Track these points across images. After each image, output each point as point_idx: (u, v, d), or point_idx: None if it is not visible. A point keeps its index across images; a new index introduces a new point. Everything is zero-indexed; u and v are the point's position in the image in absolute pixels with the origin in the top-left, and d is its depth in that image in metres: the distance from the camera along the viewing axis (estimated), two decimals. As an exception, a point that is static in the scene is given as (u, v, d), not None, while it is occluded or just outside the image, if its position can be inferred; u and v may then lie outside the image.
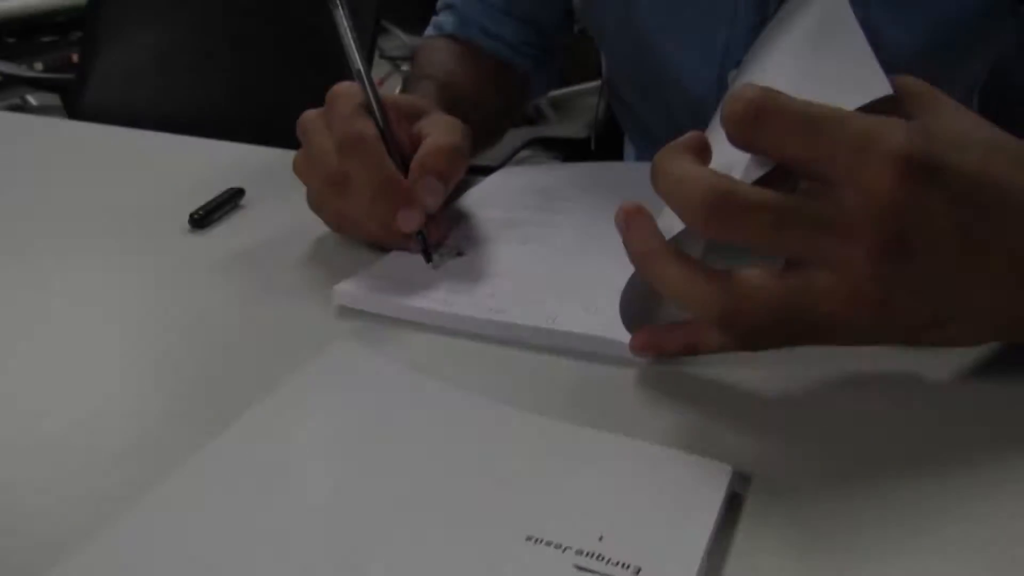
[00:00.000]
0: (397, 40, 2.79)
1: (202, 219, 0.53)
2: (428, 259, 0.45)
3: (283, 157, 0.65)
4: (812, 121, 0.28)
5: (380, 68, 3.02)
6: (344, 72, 1.07)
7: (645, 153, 0.81)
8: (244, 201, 0.57)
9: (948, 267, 0.28)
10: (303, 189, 0.49)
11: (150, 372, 0.39)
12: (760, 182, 0.31)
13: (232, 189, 0.56)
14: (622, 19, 0.63)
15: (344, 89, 0.47)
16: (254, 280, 0.47)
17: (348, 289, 0.43)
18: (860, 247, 0.28)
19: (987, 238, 0.28)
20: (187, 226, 0.53)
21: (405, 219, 0.44)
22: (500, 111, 0.73)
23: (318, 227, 0.51)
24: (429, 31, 0.74)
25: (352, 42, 0.47)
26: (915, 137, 0.27)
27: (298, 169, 0.49)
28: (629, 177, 0.58)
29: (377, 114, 0.46)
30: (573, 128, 1.05)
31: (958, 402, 0.34)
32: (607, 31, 0.66)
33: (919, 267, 0.28)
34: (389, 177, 0.44)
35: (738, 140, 0.30)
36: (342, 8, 0.46)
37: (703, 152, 0.33)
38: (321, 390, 0.35)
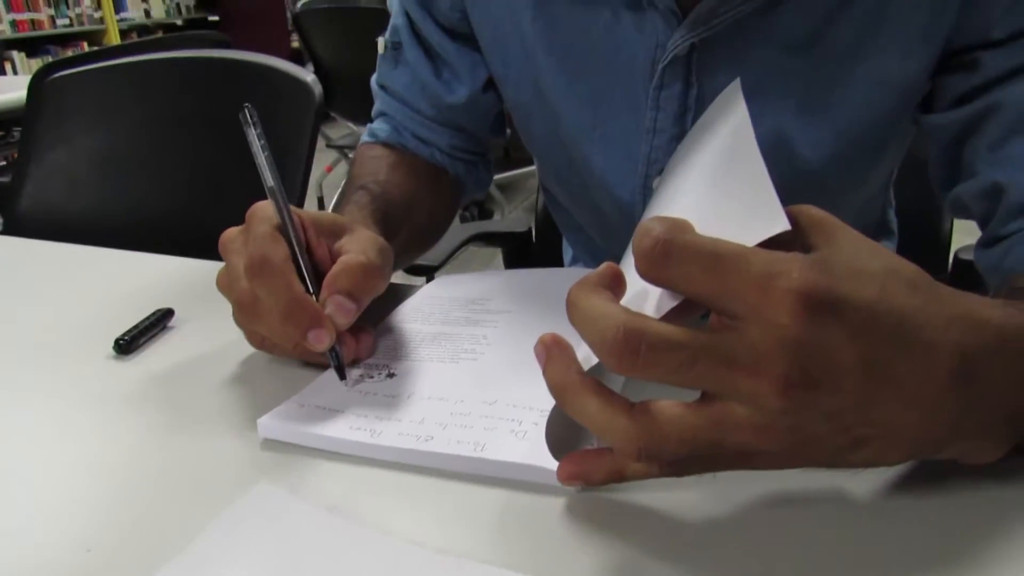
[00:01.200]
0: (345, 128, 2.84)
1: (128, 344, 0.52)
2: (342, 377, 0.45)
3: (214, 271, 0.65)
4: (716, 259, 0.29)
5: (328, 156, 3.05)
6: (281, 163, 1.07)
7: (580, 250, 0.82)
8: (173, 322, 0.56)
9: (856, 396, 0.29)
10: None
11: (64, 518, 0.37)
12: (674, 309, 0.31)
13: (160, 310, 0.55)
14: (550, 129, 0.65)
15: (260, 209, 0.47)
16: (177, 411, 0.45)
17: (272, 423, 0.42)
18: (768, 382, 0.28)
19: (892, 365, 0.29)
20: (112, 352, 0.52)
21: (315, 339, 0.44)
22: (436, 214, 0.73)
23: (247, 347, 0.50)
24: (365, 138, 0.75)
25: (264, 160, 0.47)
26: (813, 273, 0.28)
27: (219, 286, 0.48)
28: (562, 285, 0.59)
29: (290, 234, 0.46)
30: (515, 220, 1.07)
31: (886, 519, 0.34)
32: (537, 139, 0.68)
33: (827, 398, 0.29)
34: (295, 299, 0.44)
35: (648, 276, 0.31)
36: (254, 128, 0.47)
37: (617, 285, 0.33)
38: (239, 543, 0.34)
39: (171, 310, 0.56)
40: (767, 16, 0.53)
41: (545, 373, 0.33)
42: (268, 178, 0.46)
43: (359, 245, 0.48)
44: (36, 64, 3.95)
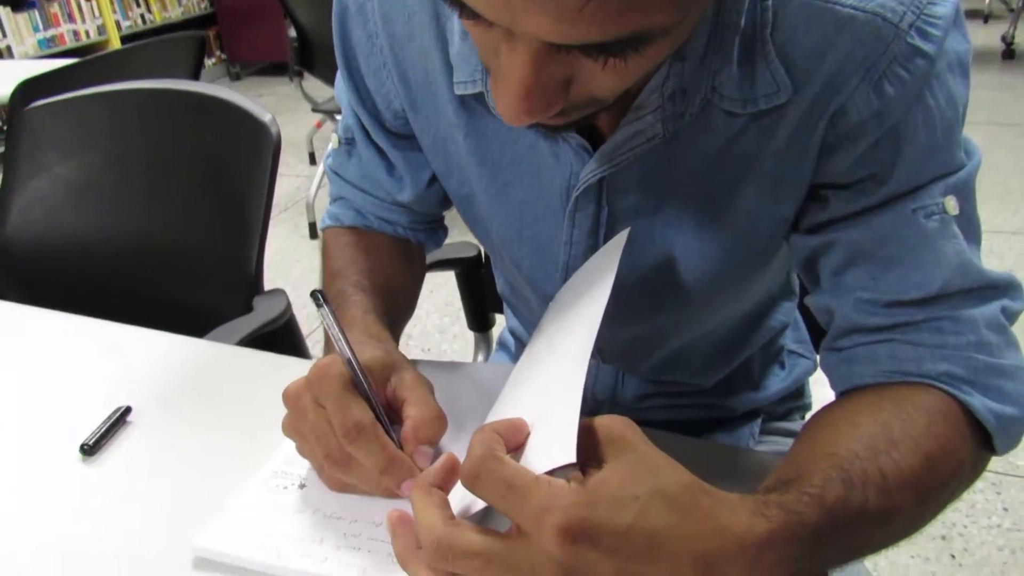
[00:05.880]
0: (327, 92, 2.88)
1: (92, 448, 0.61)
2: None
3: (171, 347, 0.74)
4: (509, 489, 0.39)
5: (315, 117, 3.10)
6: (244, 198, 1.12)
7: (512, 296, 0.89)
8: (132, 417, 0.65)
9: None
10: (186, 394, 0.61)
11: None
12: None
13: (120, 408, 0.65)
14: (483, 227, 0.72)
15: (327, 368, 0.53)
16: (133, 517, 0.55)
17: (204, 544, 0.52)
18: None
19: (642, 574, 0.38)
20: (79, 455, 0.61)
21: (407, 488, 0.51)
22: (412, 285, 0.81)
23: (196, 444, 0.60)
24: (328, 221, 0.80)
25: (340, 334, 0.53)
26: (576, 509, 0.38)
27: (288, 433, 0.56)
28: (482, 381, 0.68)
29: (370, 398, 0.53)
30: (464, 245, 1.14)
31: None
32: (471, 224, 0.74)
33: (590, 601, 0.38)
34: (393, 458, 0.52)
35: (468, 489, 0.40)
36: (327, 306, 0.53)
37: (452, 476, 0.43)
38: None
39: (129, 407, 0.65)
40: (666, 149, 0.58)
41: (392, 543, 0.43)
42: (345, 350, 0.53)
43: (419, 395, 0.56)
44: (23, 20, 3.93)
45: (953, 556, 1.47)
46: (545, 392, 0.47)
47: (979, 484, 1.61)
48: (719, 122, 0.57)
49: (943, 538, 1.51)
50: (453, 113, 0.65)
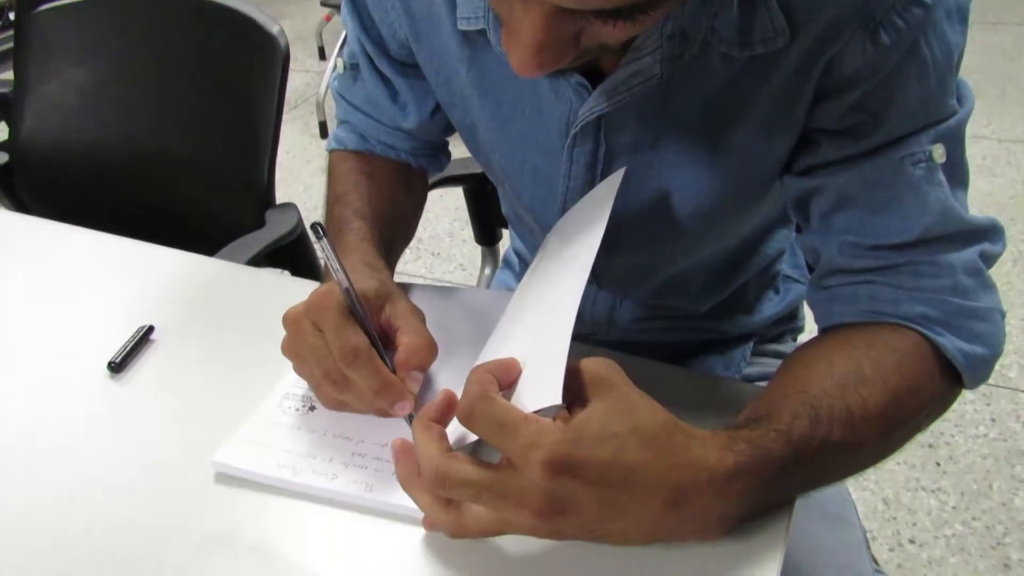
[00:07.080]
0: (338, -16, 2.81)
1: (119, 365, 0.65)
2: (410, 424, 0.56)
3: (190, 265, 0.78)
4: (500, 427, 0.43)
5: (323, 11, 3.03)
6: (254, 110, 1.13)
7: (515, 220, 0.91)
8: (155, 335, 0.70)
9: (595, 517, 0.43)
10: (205, 313, 0.65)
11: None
12: None
13: (143, 328, 0.69)
14: (484, 159, 0.73)
15: (327, 297, 0.56)
16: (161, 429, 0.60)
17: (224, 460, 0.56)
18: (528, 511, 0.43)
19: (619, 501, 0.43)
20: (107, 371, 0.66)
21: (400, 408, 0.55)
22: (412, 208, 0.83)
23: (215, 362, 0.65)
24: (332, 144, 0.82)
25: (338, 264, 0.56)
26: (561, 446, 0.42)
27: (287, 353, 0.59)
28: (469, 304, 0.71)
29: (366, 325, 0.56)
30: (471, 161, 1.16)
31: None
32: (475, 154, 0.76)
33: (572, 519, 0.43)
34: (386, 381, 0.55)
35: (463, 425, 0.44)
36: (326, 238, 0.56)
37: (449, 410, 0.47)
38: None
39: (152, 327, 0.69)
40: (664, 89, 0.59)
41: (396, 468, 0.48)
42: (344, 280, 0.56)
43: (411, 324, 0.59)
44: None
45: (938, 464, 1.54)
46: (537, 332, 0.50)
47: (969, 395, 1.67)
48: (716, 64, 0.57)
49: (930, 446, 1.58)
50: (456, 46, 0.65)
